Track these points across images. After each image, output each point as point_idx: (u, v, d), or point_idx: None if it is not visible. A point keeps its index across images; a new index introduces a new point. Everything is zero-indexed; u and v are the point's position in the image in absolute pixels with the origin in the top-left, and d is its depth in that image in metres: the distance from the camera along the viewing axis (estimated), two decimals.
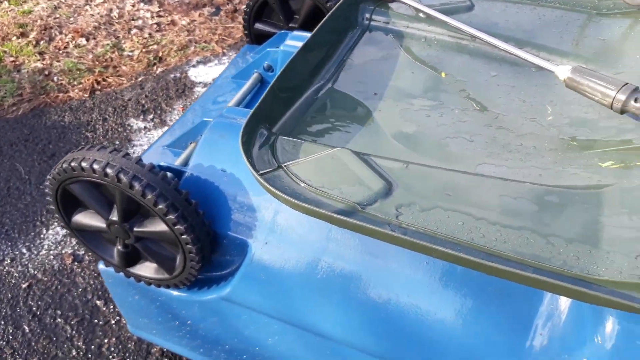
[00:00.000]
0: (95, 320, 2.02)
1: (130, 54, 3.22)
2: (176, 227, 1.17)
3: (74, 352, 1.93)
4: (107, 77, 3.05)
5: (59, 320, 2.02)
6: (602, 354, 0.93)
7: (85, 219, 1.32)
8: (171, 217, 1.15)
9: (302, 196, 0.97)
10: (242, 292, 1.27)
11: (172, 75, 3.07)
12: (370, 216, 0.94)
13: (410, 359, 1.13)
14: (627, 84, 1.07)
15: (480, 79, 1.36)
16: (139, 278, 1.38)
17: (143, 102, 2.90)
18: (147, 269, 1.37)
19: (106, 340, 1.96)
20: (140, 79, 3.06)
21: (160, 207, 1.15)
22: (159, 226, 1.21)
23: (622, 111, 1.08)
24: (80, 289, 2.11)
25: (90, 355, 1.92)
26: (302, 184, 0.99)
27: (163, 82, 3.02)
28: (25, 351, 1.93)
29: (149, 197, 1.13)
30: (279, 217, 1.21)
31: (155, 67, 3.14)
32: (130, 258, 1.36)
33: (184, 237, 1.18)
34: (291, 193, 0.96)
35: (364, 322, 1.16)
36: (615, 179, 1.01)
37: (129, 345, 1.94)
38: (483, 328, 1.05)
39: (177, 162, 1.39)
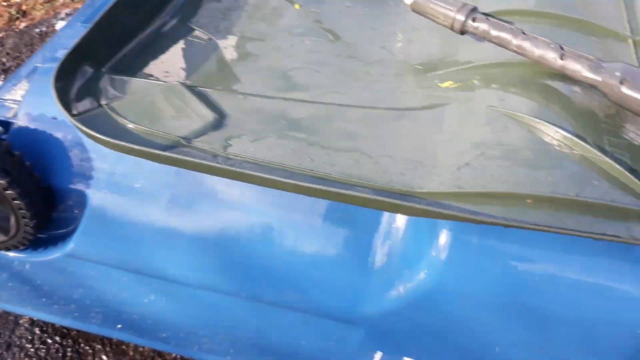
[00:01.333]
0: None
1: None
2: None
3: None
4: None
5: None
6: (438, 265, 0.95)
7: None
8: None
9: (124, 135, 0.89)
10: (86, 246, 1.19)
11: (37, 30, 2.82)
12: (196, 150, 0.88)
13: (260, 292, 1.11)
14: (465, 4, 1.06)
15: (334, 9, 1.32)
16: None
17: (4, 60, 2.64)
18: None
19: None
20: (0, 35, 2.78)
21: None
22: None
23: (462, 32, 1.08)
24: None
25: None
26: (127, 123, 0.92)
27: (27, 38, 2.76)
28: None
29: None
30: (118, 164, 1.13)
31: (18, 22, 2.86)
32: None
33: (9, 192, 1.07)
34: (111, 133, 0.88)
35: (212, 262, 1.12)
36: (452, 98, 1.01)
37: None
38: (327, 253, 1.04)
39: (9, 114, 1.26)
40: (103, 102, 0.97)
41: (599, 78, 0.93)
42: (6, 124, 1.20)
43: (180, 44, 1.18)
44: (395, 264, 1.00)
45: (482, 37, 1.03)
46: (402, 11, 1.29)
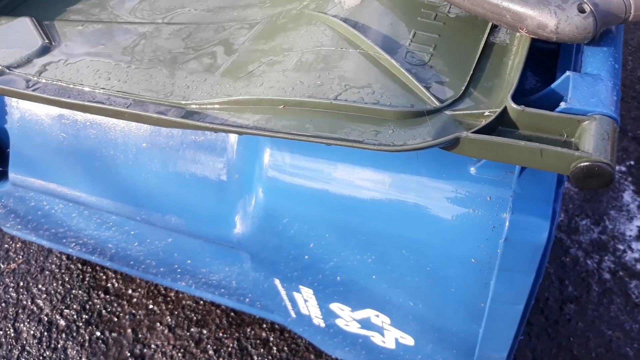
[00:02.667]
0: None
1: None
2: None
3: None
4: None
5: None
6: (265, 186, 0.92)
7: None
8: None
9: None
10: (18, 175, 1.31)
11: None
12: (13, 76, 0.93)
13: (150, 216, 1.16)
14: None
15: None
16: None
17: None
18: None
19: (13, 245, 2.11)
20: None
21: None
22: None
23: None
24: None
25: None
26: None
27: None
28: None
29: None
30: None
31: None
32: None
33: None
34: None
35: (107, 189, 1.19)
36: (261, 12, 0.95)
37: (33, 247, 2.09)
38: (188, 177, 1.06)
39: None
40: None
41: None
42: None
43: None
44: (242, 183, 0.99)
45: None
46: None
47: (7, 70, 0.94)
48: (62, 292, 1.95)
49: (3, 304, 1.96)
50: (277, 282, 1.08)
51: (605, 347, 1.70)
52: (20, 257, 2.07)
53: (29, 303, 1.94)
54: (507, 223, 0.75)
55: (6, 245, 2.12)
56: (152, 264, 1.34)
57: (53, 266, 2.04)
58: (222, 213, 1.01)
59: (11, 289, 2.00)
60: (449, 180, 0.78)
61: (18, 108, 1.24)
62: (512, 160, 0.65)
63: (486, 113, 0.69)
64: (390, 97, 0.71)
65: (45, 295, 1.96)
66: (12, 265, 2.06)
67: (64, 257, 2.05)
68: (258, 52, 0.84)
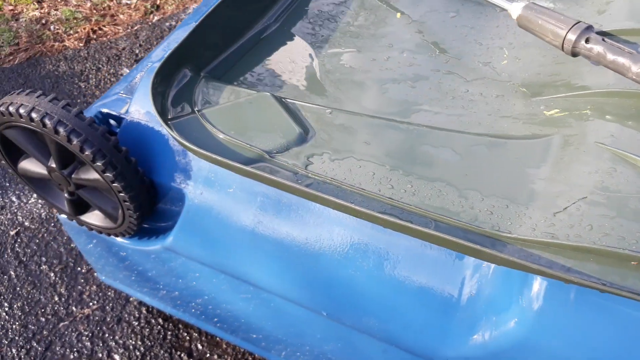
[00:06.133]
0: (79, 269, 2.05)
1: (128, 2, 3.17)
2: (105, 174, 1.14)
3: (56, 298, 1.97)
4: (104, 25, 3.01)
5: (44, 267, 2.06)
6: (527, 317, 0.86)
7: (30, 165, 1.31)
8: (99, 164, 1.12)
9: (211, 144, 0.92)
10: (182, 242, 1.25)
11: (167, 24, 3.01)
12: (278, 165, 0.88)
13: (341, 313, 1.10)
14: (578, 22, 0.96)
15: (437, 19, 1.25)
16: (89, 226, 1.37)
17: (137, 51, 2.86)
18: (95, 217, 1.36)
19: (87, 288, 1.99)
20: (136, 27, 3.01)
21: (87, 153, 1.12)
22: (93, 174, 1.18)
23: (574, 53, 0.97)
24: (66, 237, 2.14)
25: (71, 301, 1.96)
26: (216, 132, 0.94)
27: (158, 31, 2.97)
28: (10, 296, 1.98)
29: (75, 143, 1.11)
30: (215, 167, 1.17)
31: (152, 16, 3.08)
32: (80, 206, 1.35)
33: (115, 184, 1.15)
34: (200, 141, 0.91)
35: (296, 275, 1.12)
36: (555, 128, 0.92)
37: (109, 293, 1.97)
38: (411, 285, 1.00)
39: (122, 110, 1.35)
40: (197, 107, 1.00)
41: None
42: (119, 119, 1.28)
43: (279, 51, 1.19)
44: (482, 307, 0.93)
45: (596, 61, 0.92)
46: (511, 24, 1.20)
47: (268, 157, 0.89)
48: (142, 349, 1.84)
49: (75, 354, 1.83)
50: None
51: None
52: (96, 302, 1.95)
53: (105, 356, 1.82)
54: None
55: (80, 287, 2.00)
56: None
57: (131, 317, 1.92)
58: (447, 328, 0.95)
59: (85, 337, 1.87)
60: None
61: (208, 177, 1.18)
62: None
63: None
64: None
65: (122, 350, 1.83)
66: (86, 311, 1.94)
67: (143, 309, 1.94)
68: (559, 182, 0.81)
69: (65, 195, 1.32)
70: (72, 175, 1.23)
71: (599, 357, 0.78)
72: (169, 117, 0.97)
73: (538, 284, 0.85)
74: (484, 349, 0.92)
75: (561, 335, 0.81)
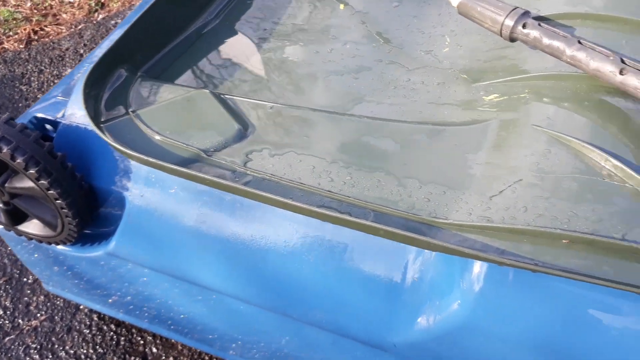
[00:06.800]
0: (24, 279, 1.97)
1: (71, 0, 3.06)
2: (40, 181, 1.09)
3: (0, 312, 1.89)
4: (45, 26, 2.90)
5: None
6: (469, 299, 0.87)
7: None
8: (32, 171, 1.07)
9: (146, 146, 0.89)
10: (125, 246, 1.20)
11: (113, 22, 2.93)
12: (215, 165, 0.86)
13: (290, 308, 1.08)
14: (516, 8, 0.97)
15: (380, 9, 1.25)
16: (28, 236, 1.31)
17: (81, 51, 2.77)
18: (34, 226, 1.30)
19: (34, 299, 1.92)
20: (80, 27, 2.91)
21: (18, 161, 1.06)
22: (27, 182, 1.13)
23: (512, 39, 0.98)
24: (9, 248, 2.05)
25: (17, 314, 1.88)
26: (152, 133, 0.91)
27: (103, 29, 2.88)
28: None
29: (5, 151, 1.05)
30: (154, 169, 1.14)
31: (96, 14, 2.99)
32: (17, 215, 1.29)
33: (51, 192, 1.10)
34: (134, 143, 0.88)
35: (243, 274, 1.10)
36: (494, 113, 0.92)
37: (58, 302, 1.90)
38: (356, 275, 0.99)
39: (59, 114, 1.30)
40: (132, 108, 0.96)
41: None
42: (54, 124, 1.23)
43: (220, 47, 1.16)
44: (425, 291, 0.93)
45: (533, 46, 0.93)
46: (453, 12, 1.20)
47: (205, 155, 0.86)
48: (94, 357, 1.78)
49: None
50: None
51: None
52: (44, 313, 1.88)
53: None
54: None
55: (26, 299, 1.92)
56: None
57: (82, 325, 1.86)
58: (393, 315, 0.95)
59: (33, 350, 1.80)
60: None
61: (148, 178, 1.14)
62: None
63: None
64: None
65: None
66: (34, 322, 1.87)
67: (94, 316, 1.88)
68: (496, 166, 0.81)
69: (0, 205, 1.26)
70: (6, 185, 1.18)
71: (537, 332, 0.79)
72: (102, 119, 0.93)
73: (478, 267, 0.85)
74: (428, 333, 0.92)
75: (501, 314, 0.82)
